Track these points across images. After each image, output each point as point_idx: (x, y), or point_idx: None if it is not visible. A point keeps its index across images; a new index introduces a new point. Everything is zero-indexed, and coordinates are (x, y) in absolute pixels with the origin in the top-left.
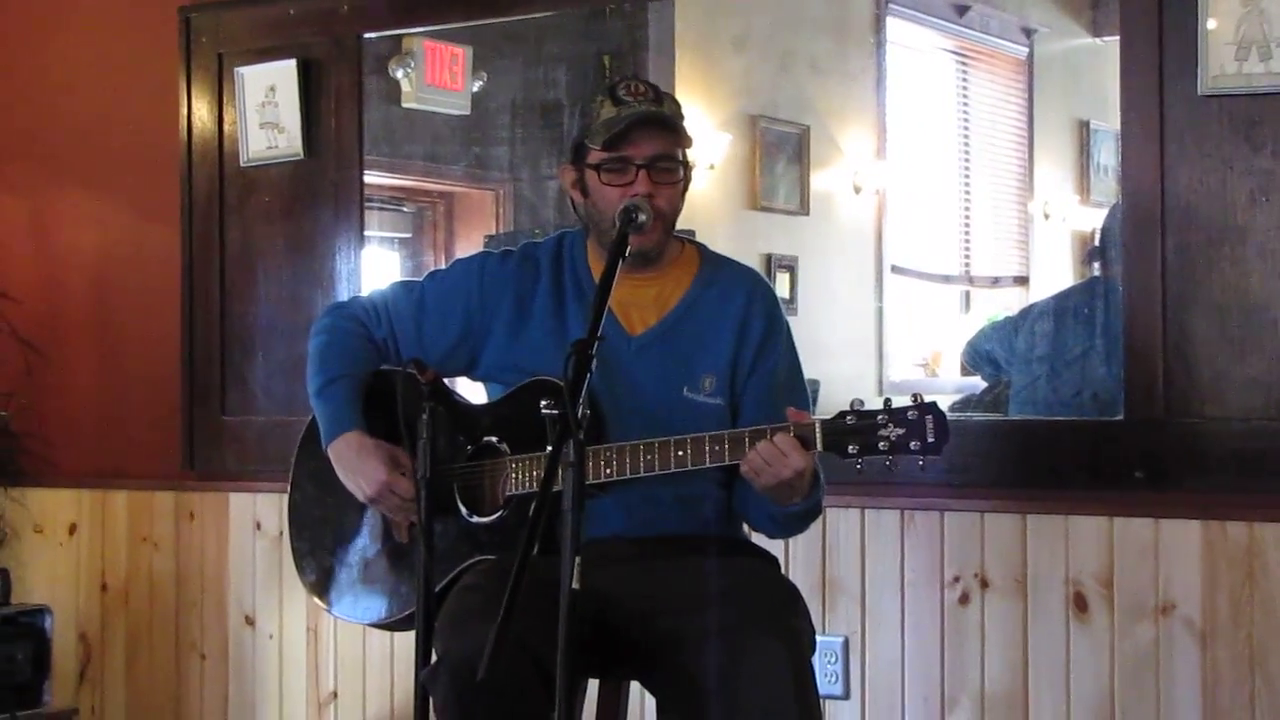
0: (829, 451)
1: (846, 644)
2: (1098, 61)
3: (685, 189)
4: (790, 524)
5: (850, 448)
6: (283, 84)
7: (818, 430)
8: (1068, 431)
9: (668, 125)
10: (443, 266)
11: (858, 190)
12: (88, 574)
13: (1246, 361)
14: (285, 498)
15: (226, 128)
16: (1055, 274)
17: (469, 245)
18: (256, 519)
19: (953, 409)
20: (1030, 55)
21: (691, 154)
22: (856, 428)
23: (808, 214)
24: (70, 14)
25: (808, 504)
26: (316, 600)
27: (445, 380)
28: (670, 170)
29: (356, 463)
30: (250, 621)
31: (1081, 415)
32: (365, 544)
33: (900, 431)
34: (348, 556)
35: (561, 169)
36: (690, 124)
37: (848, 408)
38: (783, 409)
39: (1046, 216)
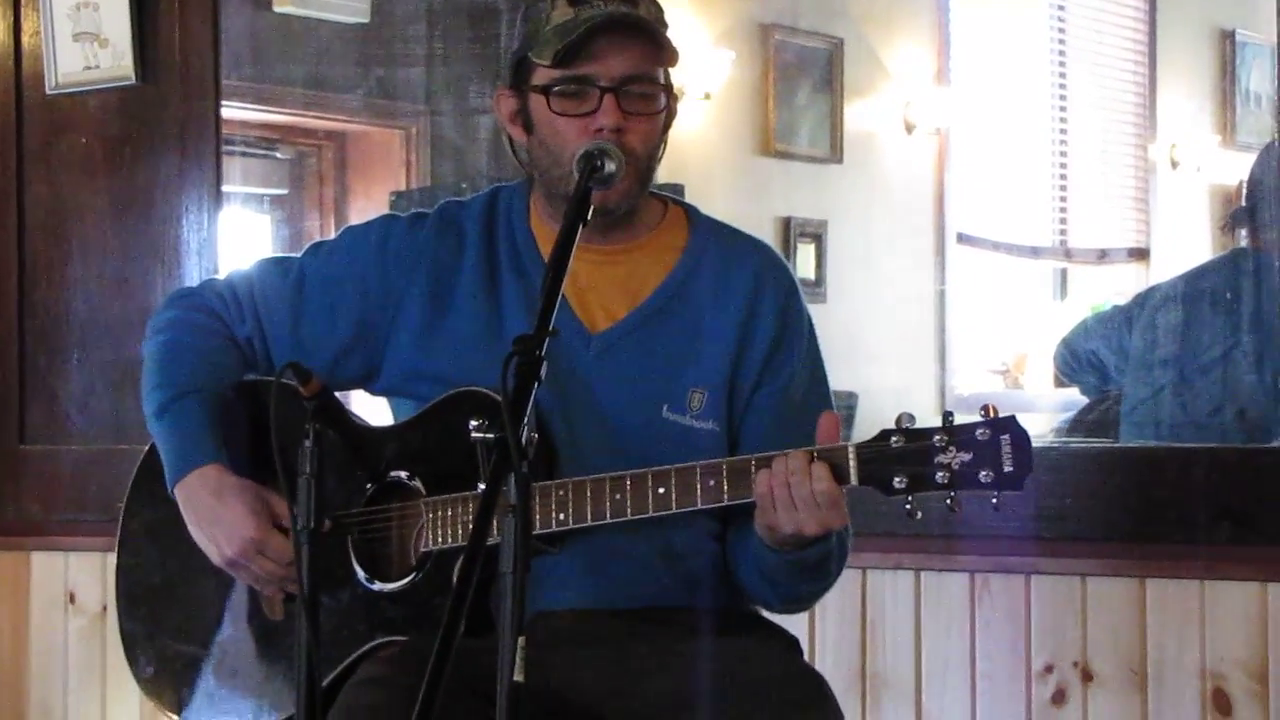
0: (868, 485)
1: None
2: None
3: (668, 125)
4: (790, 583)
5: (897, 480)
6: None
7: (851, 456)
8: (1204, 463)
9: (645, 32)
10: (330, 236)
11: (910, 129)
12: None
13: None
14: (112, 559)
15: (25, 40)
16: (1186, 245)
17: (368, 206)
18: (69, 589)
19: (1051, 430)
20: None
21: (678, 77)
22: (904, 453)
23: (841, 162)
24: None
25: (817, 551)
26: (155, 703)
27: (336, 394)
28: (648, 96)
29: (214, 509)
30: None
31: (1223, 441)
32: (225, 624)
33: (965, 457)
34: (201, 642)
35: (497, 96)
36: (676, 36)
37: (893, 426)
38: (801, 436)
39: (1174, 165)
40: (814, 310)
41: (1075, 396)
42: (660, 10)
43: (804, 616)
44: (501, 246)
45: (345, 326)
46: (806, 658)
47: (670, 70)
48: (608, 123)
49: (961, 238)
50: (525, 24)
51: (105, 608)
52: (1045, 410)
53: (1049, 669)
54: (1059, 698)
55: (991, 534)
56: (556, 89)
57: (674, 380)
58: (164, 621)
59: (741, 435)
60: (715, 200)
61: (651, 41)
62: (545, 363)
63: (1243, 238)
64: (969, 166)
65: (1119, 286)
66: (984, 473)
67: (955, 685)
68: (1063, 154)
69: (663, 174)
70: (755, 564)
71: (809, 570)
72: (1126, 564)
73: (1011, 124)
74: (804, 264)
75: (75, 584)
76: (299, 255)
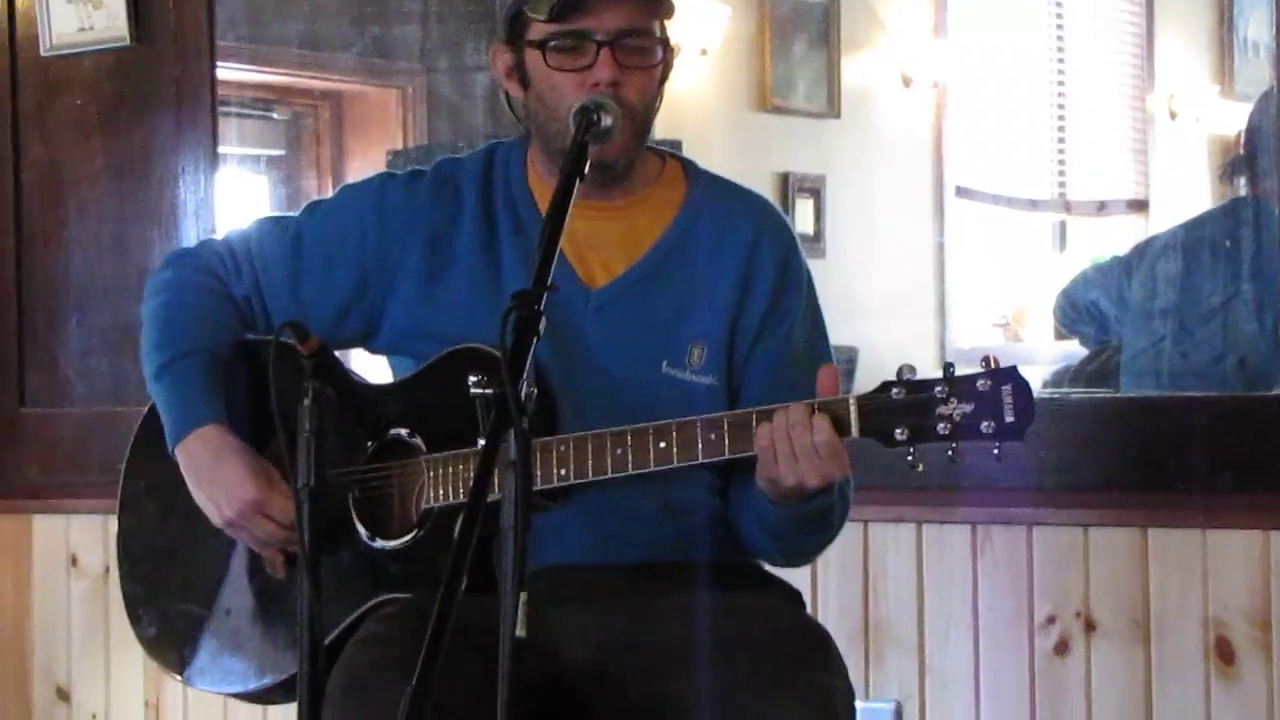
0: (869, 437)
1: (899, 712)
2: None
3: (664, 79)
4: (793, 537)
5: (898, 432)
6: None
7: (852, 408)
8: (1204, 412)
9: None
10: (327, 195)
11: (908, 83)
12: None
13: None
14: (113, 521)
15: (19, 1)
16: (1185, 195)
17: (365, 165)
18: (71, 551)
19: (1044, 384)
20: None
21: (674, 32)
22: (906, 404)
23: (838, 116)
24: None
25: (819, 504)
26: (159, 664)
27: (335, 352)
28: (644, 50)
29: (213, 469)
30: (64, 696)
31: (1224, 390)
32: (227, 584)
33: (966, 408)
34: (203, 602)
35: (493, 51)
36: None
37: (894, 378)
38: (801, 390)
39: (1173, 116)
40: (813, 265)
41: (1075, 349)
42: None
43: (806, 570)
44: (499, 203)
45: (344, 285)
46: (809, 611)
47: (666, 24)
48: (604, 76)
49: (960, 191)
50: None
51: (107, 570)
52: (1045, 363)
53: (1051, 620)
54: (1062, 648)
55: (993, 485)
56: (552, 43)
57: (673, 335)
58: (166, 582)
59: (742, 389)
60: (712, 155)
61: None
62: (544, 317)
63: (1242, 186)
64: (967, 120)
65: (1118, 238)
66: (985, 423)
67: (958, 637)
68: (1061, 106)
69: (659, 129)
70: (757, 518)
71: (811, 523)
72: (1128, 514)
73: (1009, 77)
74: (802, 219)
75: (77, 546)
76: (297, 214)
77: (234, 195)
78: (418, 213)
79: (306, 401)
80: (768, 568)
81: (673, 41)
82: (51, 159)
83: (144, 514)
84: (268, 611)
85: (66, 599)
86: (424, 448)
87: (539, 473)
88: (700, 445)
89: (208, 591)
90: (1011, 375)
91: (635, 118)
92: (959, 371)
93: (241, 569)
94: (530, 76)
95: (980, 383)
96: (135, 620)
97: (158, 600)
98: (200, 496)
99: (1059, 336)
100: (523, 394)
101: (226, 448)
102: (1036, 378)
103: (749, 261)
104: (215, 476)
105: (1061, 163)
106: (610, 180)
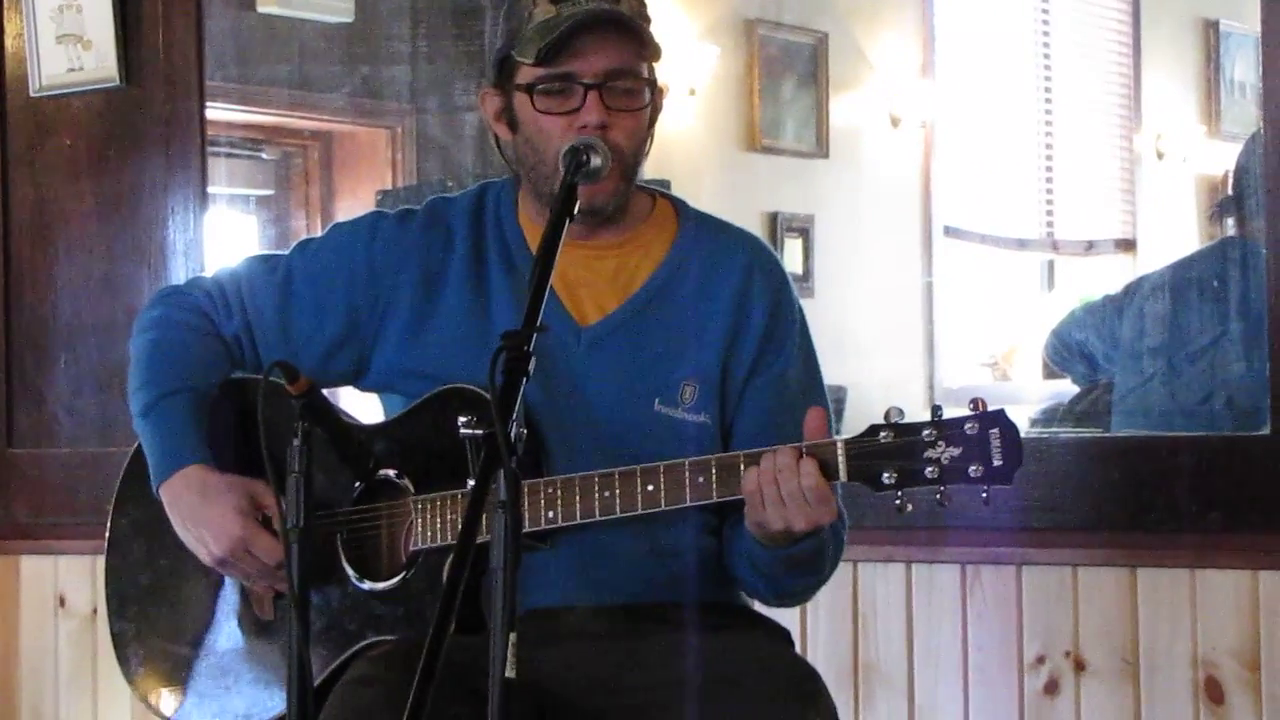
0: (857, 481)
1: None
2: None
3: (653, 120)
4: (783, 578)
5: (886, 475)
6: None
7: (840, 452)
8: (1193, 452)
9: (627, 28)
10: (317, 234)
11: (896, 123)
12: None
13: None
14: (102, 561)
15: (9, 42)
16: (1172, 234)
17: (355, 205)
18: (59, 592)
19: (1032, 423)
20: None
21: (662, 73)
22: (893, 448)
23: (827, 156)
24: None
25: (808, 547)
26: (147, 704)
27: (324, 391)
28: (631, 92)
29: (200, 509)
30: None
31: (1213, 429)
32: (215, 623)
33: (954, 452)
34: (191, 642)
35: (482, 95)
36: (661, 31)
37: (882, 420)
38: (794, 428)
39: (1160, 156)
40: (802, 304)
41: (1064, 388)
42: (643, 6)
43: (795, 609)
44: (490, 242)
45: (333, 323)
46: (798, 650)
47: (654, 66)
48: (592, 119)
49: (948, 231)
50: (508, 22)
51: (96, 610)
52: (1033, 402)
53: (1041, 659)
54: (1051, 688)
55: (982, 525)
56: (540, 87)
57: (666, 373)
58: (154, 621)
59: (735, 426)
60: (702, 196)
61: (634, 37)
62: (533, 358)
63: (1230, 227)
64: (955, 159)
65: (1106, 277)
66: (973, 467)
67: (948, 677)
68: (1048, 146)
69: (649, 170)
70: (748, 559)
71: (801, 565)
72: (1117, 553)
73: (997, 116)
74: (791, 258)
75: (65, 587)
76: (287, 253)
77: (223, 235)
78: (408, 251)
79: (296, 442)
80: (757, 607)
81: (661, 83)
82: (41, 199)
83: (132, 552)
84: (256, 652)
85: (54, 639)
86: (412, 489)
87: (527, 514)
88: (688, 488)
89: (196, 631)
90: (999, 419)
91: (624, 160)
92: (947, 414)
93: (230, 609)
94: (519, 120)
95: (968, 426)
96: (123, 660)
97: (146, 639)
98: (187, 536)
99: (1048, 375)
100: (512, 435)
101: (211, 486)
102: (1025, 417)
103: (741, 298)
104: (201, 515)
105: (1049, 202)
106: (600, 222)
